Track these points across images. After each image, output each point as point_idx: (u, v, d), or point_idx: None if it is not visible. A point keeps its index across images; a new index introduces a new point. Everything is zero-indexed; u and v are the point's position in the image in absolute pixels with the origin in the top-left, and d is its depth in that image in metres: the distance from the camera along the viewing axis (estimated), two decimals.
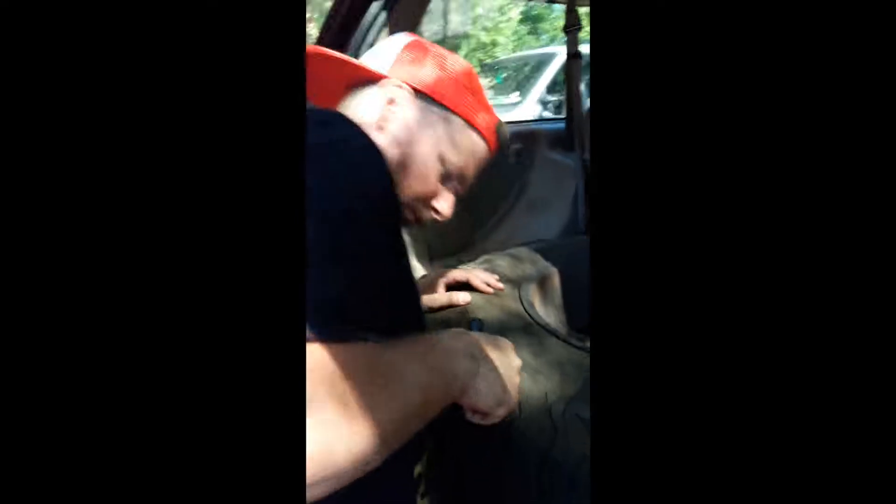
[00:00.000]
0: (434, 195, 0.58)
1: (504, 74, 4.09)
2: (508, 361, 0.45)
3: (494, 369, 0.42)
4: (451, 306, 0.69)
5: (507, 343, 0.47)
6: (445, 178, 0.57)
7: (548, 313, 0.79)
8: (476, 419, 0.44)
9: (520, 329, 0.59)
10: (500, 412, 0.43)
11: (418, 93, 0.55)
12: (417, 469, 0.55)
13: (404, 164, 0.54)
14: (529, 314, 0.65)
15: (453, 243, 1.50)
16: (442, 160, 0.56)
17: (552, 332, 0.60)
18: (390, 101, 0.54)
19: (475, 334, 0.45)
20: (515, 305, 0.68)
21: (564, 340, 0.58)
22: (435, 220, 0.61)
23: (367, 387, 0.29)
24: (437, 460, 0.53)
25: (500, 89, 4.02)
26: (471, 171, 0.60)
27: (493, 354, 0.43)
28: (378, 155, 0.39)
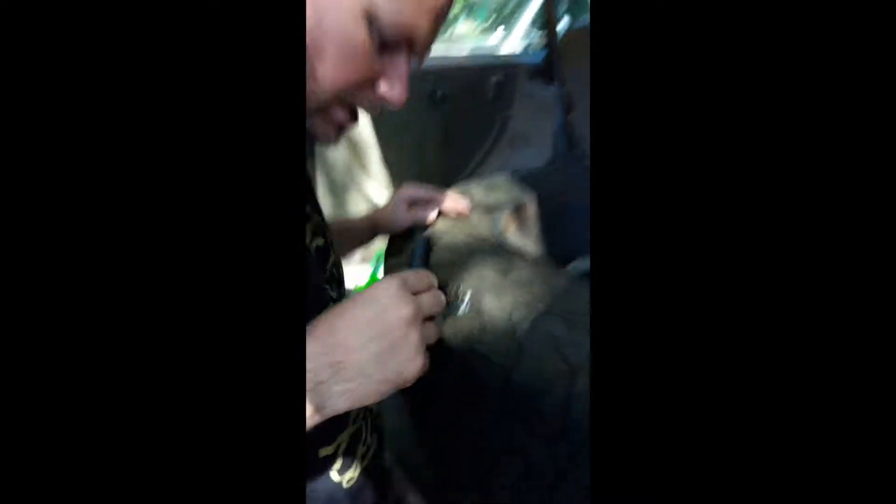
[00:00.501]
0: (376, 74, 0.39)
1: (487, 12, 3.88)
2: (393, 337, 0.33)
3: (360, 374, 0.32)
4: (415, 227, 0.64)
5: (391, 287, 0.35)
6: (386, 44, 0.38)
7: (523, 241, 0.75)
8: None
9: (486, 251, 0.54)
10: (406, 383, 0.35)
11: None
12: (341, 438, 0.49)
13: (317, 43, 0.36)
14: (496, 237, 0.60)
15: (435, 183, 1.44)
16: (371, 19, 0.36)
17: (522, 255, 0.55)
18: None
19: (332, 330, 0.33)
20: (486, 231, 0.62)
21: (533, 262, 0.53)
22: (390, 106, 0.42)
23: None
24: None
25: (484, 28, 3.83)
26: (422, 23, 0.39)
27: (365, 348, 0.33)
28: None
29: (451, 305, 0.45)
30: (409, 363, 0.34)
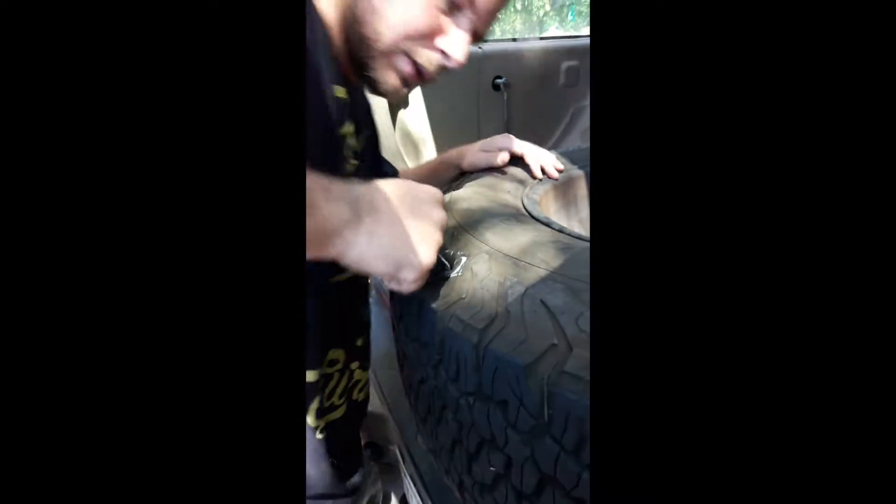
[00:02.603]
0: (437, 31, 0.42)
1: (577, 10, 3.73)
2: (422, 215, 0.34)
3: (386, 226, 0.32)
4: (490, 168, 0.64)
5: (427, 196, 0.36)
6: (452, 6, 0.42)
7: (568, 220, 0.66)
8: (392, 286, 0.35)
9: (502, 216, 0.47)
10: (406, 275, 0.34)
11: None
12: (324, 369, 0.46)
13: None
14: (525, 207, 0.52)
15: None
16: None
17: (545, 223, 0.46)
18: None
19: (377, 184, 0.34)
20: (511, 199, 0.55)
21: (559, 230, 0.45)
22: (444, 68, 0.45)
23: None
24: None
25: (573, 26, 3.70)
26: None
27: (396, 204, 0.34)
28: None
29: (444, 268, 0.38)
30: (429, 236, 0.34)
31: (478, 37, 0.46)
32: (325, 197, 0.30)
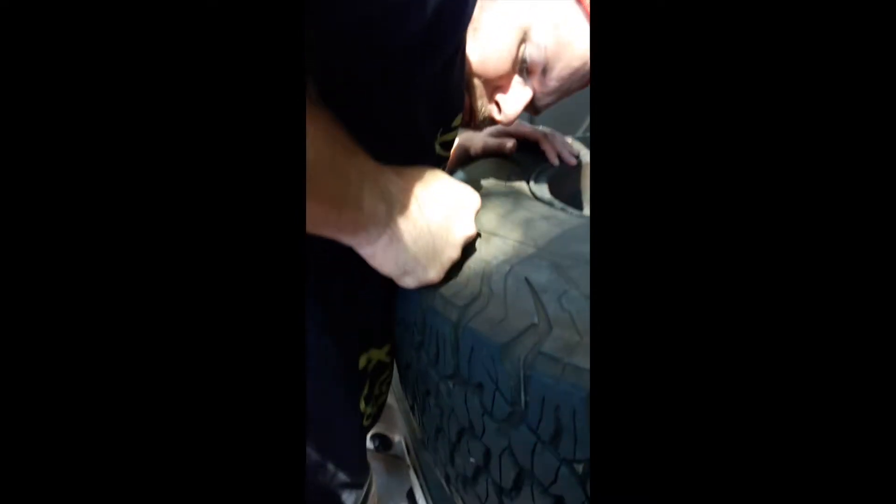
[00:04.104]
0: (502, 83, 0.42)
1: None
2: (447, 230, 0.32)
3: (409, 236, 0.30)
4: (498, 153, 0.60)
5: (463, 208, 0.33)
6: (524, 65, 0.41)
7: (567, 197, 0.63)
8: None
9: (502, 196, 0.44)
10: (407, 282, 0.32)
11: None
12: (371, 353, 0.43)
13: (476, 26, 0.38)
14: (531, 189, 0.49)
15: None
16: (524, 37, 0.39)
17: (547, 203, 0.44)
18: None
19: (420, 182, 0.32)
20: (517, 181, 0.52)
21: (562, 209, 0.42)
22: (492, 119, 0.44)
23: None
24: None
25: None
26: (563, 68, 0.41)
27: (428, 214, 0.31)
28: None
29: None
30: (446, 256, 0.32)
31: (534, 108, 0.44)
32: (371, 191, 0.28)
